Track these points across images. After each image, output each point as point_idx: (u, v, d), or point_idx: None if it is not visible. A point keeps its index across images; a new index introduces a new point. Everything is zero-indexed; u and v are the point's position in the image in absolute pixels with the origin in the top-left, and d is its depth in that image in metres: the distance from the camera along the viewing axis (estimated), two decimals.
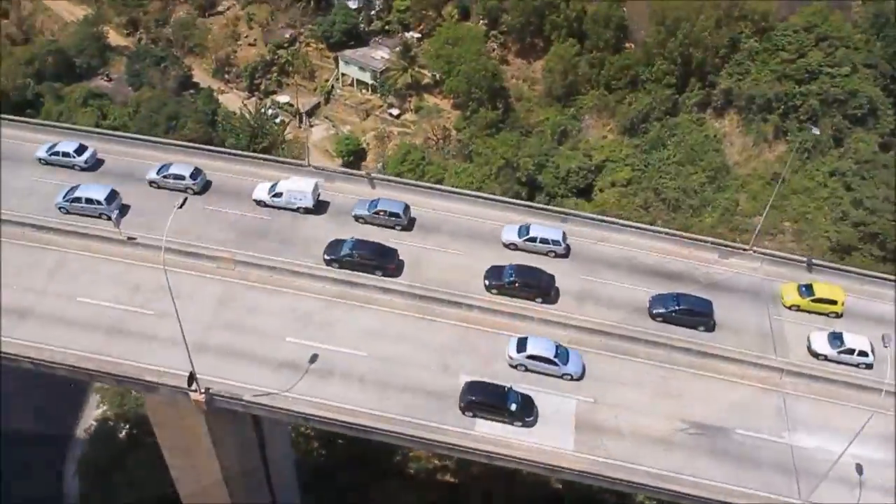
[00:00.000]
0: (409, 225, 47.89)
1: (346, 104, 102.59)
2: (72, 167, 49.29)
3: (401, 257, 45.13)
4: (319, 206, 48.14)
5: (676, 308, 43.78)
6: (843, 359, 42.98)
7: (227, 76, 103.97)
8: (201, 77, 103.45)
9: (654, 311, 44.14)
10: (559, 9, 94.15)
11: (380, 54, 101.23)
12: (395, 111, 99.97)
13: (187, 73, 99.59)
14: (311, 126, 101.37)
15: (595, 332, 43.08)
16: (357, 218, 47.50)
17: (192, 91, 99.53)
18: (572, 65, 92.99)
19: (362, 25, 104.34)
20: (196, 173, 48.16)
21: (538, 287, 44.08)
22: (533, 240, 47.08)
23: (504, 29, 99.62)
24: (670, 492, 37.33)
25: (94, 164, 49.88)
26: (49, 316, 40.39)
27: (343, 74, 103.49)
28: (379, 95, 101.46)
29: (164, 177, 48.01)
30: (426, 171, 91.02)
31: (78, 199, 45.61)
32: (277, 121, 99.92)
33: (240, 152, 53.51)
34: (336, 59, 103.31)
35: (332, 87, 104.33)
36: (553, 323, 43.02)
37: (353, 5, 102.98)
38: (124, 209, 46.22)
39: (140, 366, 38.49)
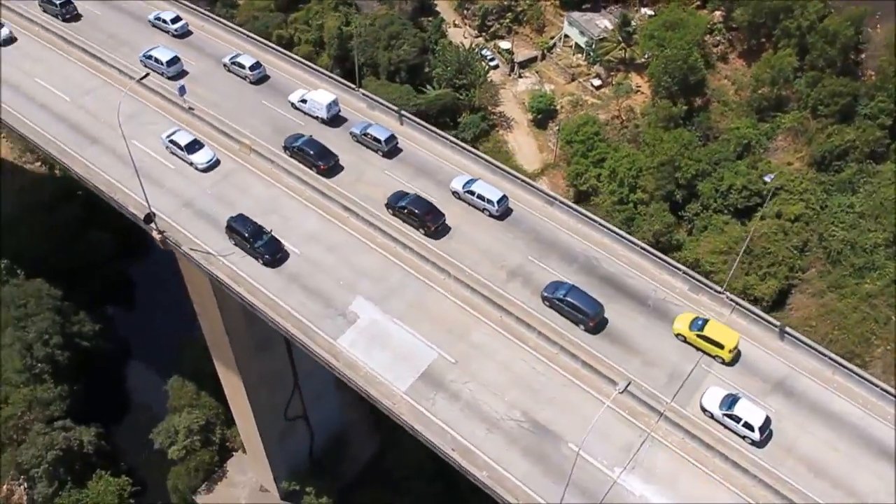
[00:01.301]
0: (391, 153, 52.43)
1: (558, 64, 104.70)
2: (167, 32, 61.00)
3: (342, 163, 51.79)
4: (336, 121, 54.60)
5: (561, 297, 43.55)
6: (725, 422, 39.80)
7: (465, 12, 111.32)
8: (444, 8, 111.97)
9: (543, 294, 44.26)
10: (794, 14, 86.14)
11: (604, 23, 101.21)
12: (598, 82, 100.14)
13: (428, 2, 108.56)
14: (520, 77, 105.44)
15: (494, 304, 44.40)
16: (352, 135, 53.05)
17: (429, 18, 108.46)
18: (784, 78, 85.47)
19: None
20: (255, 66, 57.15)
21: (420, 218, 47.10)
22: (471, 193, 49.20)
23: (733, 25, 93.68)
24: (457, 464, 38.93)
25: (184, 34, 61.72)
26: (109, 147, 52.37)
27: (566, 35, 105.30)
28: (588, 63, 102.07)
29: (232, 63, 57.69)
30: (595, 146, 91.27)
31: (149, 57, 57.50)
32: (493, 64, 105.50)
33: (304, 61, 60.82)
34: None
35: (554, 45, 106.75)
36: (444, 271, 45.73)
37: None
38: (182, 73, 57.05)
39: (135, 199, 48.81)
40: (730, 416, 39.66)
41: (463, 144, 52.81)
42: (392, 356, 42.87)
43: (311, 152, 51.00)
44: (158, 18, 62.41)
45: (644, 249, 47.58)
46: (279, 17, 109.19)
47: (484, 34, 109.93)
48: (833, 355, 43.08)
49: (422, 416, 40.74)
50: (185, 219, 48.87)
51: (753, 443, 39.46)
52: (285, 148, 52.18)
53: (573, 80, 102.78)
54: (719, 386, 41.49)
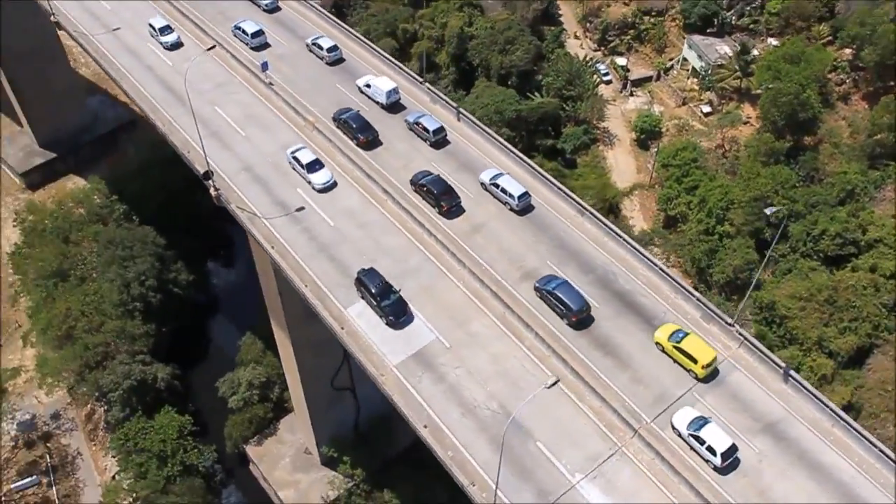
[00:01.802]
0: (438, 144, 55.00)
1: (672, 86, 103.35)
2: (259, 6, 67.20)
3: (381, 139, 55.63)
4: (395, 108, 57.87)
5: (551, 289, 45.22)
6: (690, 442, 39.90)
7: (588, 25, 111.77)
8: (568, 18, 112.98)
9: (535, 285, 46.37)
10: None
11: (724, 49, 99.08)
12: (707, 109, 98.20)
13: (552, 11, 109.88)
14: (631, 95, 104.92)
15: (500, 299, 45.78)
16: (406, 123, 56.24)
17: (550, 28, 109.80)
18: None
19: (730, 17, 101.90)
20: (333, 48, 61.40)
21: (436, 197, 50.32)
22: (496, 185, 51.16)
23: (861, 64, 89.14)
24: (425, 440, 40.77)
25: (273, 10, 67.43)
26: (195, 109, 57.82)
27: (684, 58, 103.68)
28: (702, 89, 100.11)
29: (313, 43, 62.09)
30: (690, 172, 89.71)
31: (238, 28, 63.22)
32: (606, 79, 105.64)
33: (378, 49, 64.07)
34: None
35: (671, 66, 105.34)
36: (461, 262, 47.69)
37: None
38: (265, 45, 62.91)
39: (199, 156, 53.70)
40: (695, 437, 39.49)
41: (509, 146, 54.27)
42: (393, 332, 45.27)
43: (354, 125, 54.37)
44: None
45: (662, 271, 47.23)
46: (408, 11, 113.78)
47: (602, 49, 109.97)
48: (834, 407, 41.23)
49: (405, 390, 42.93)
50: (242, 181, 53.53)
51: (716, 469, 38.87)
52: (334, 119, 55.99)
53: (684, 103, 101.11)
54: (699, 410, 40.89)
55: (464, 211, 50.71)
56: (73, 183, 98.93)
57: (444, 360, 44.00)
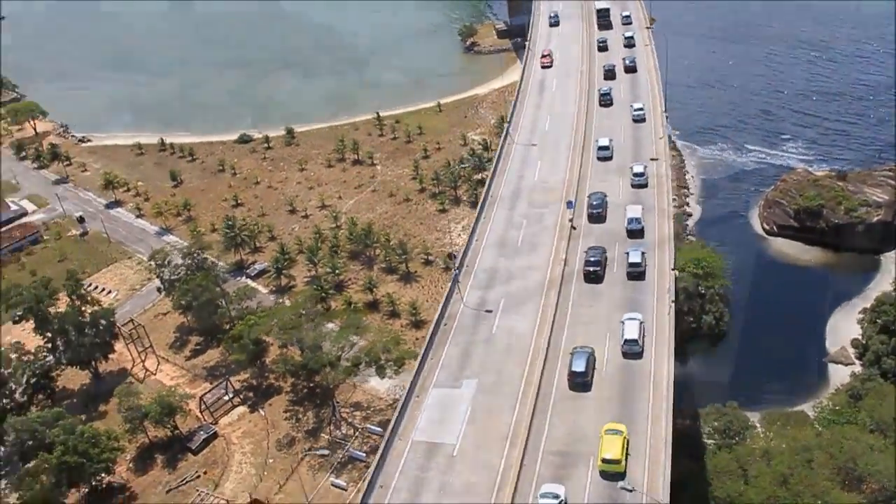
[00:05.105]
0: (631, 275, 61.59)
1: None
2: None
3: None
4: (634, 234, 66.69)
5: (571, 353, 53.70)
6: None
7: None
8: None
9: (571, 349, 54.45)
10: None
11: None
12: None
13: None
14: None
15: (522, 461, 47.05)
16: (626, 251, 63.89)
17: None
18: None
19: None
20: (640, 174, 74.20)
21: (585, 262, 62.76)
22: (623, 323, 55.63)
23: None
24: (370, 491, 46.83)
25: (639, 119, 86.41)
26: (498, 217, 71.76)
27: None
28: None
29: (629, 167, 76.88)
30: None
31: (597, 141, 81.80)
32: None
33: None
34: None
35: None
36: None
37: None
38: (608, 158, 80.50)
39: (475, 251, 67.05)
40: None
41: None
42: (437, 419, 51.39)
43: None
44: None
45: None
46: None
47: None
48: None
49: (400, 455, 49.10)
50: (481, 276, 65.34)
51: None
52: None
53: None
54: None
55: (601, 281, 61.17)
56: None
57: (441, 462, 48.09)
